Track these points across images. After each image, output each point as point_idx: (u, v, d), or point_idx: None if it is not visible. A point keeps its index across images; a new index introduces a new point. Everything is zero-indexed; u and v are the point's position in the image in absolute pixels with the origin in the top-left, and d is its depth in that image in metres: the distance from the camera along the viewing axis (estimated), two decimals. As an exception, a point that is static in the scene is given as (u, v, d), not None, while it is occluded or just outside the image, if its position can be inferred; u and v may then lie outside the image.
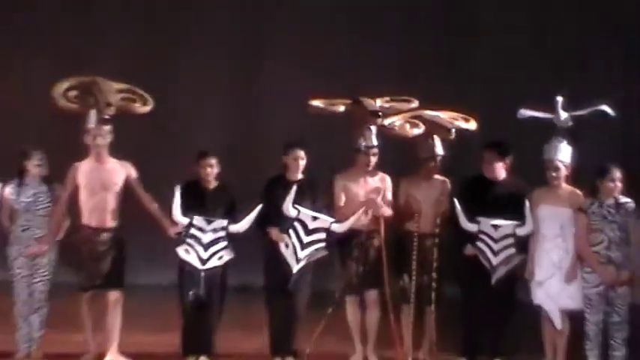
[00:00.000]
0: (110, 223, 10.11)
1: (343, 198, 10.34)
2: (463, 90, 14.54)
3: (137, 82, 10.63)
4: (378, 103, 10.33)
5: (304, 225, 10.05)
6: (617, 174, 9.91)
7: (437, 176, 10.39)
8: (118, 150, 10.30)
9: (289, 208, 9.89)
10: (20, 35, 16.13)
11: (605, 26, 16.67)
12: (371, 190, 10.23)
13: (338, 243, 10.24)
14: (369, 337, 10.42)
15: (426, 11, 16.58)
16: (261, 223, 10.01)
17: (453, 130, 10.44)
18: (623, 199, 9.86)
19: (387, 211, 10.24)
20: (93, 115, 10.09)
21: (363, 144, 10.19)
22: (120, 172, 10.07)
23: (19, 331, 10.29)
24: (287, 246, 9.97)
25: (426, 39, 16.24)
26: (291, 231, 9.97)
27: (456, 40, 16.22)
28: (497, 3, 16.54)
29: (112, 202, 10.18)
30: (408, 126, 10.41)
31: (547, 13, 16.71)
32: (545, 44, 16.81)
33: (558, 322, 9.92)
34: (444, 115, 10.40)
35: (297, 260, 9.94)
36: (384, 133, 10.34)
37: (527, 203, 9.94)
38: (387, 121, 10.32)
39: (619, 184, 9.85)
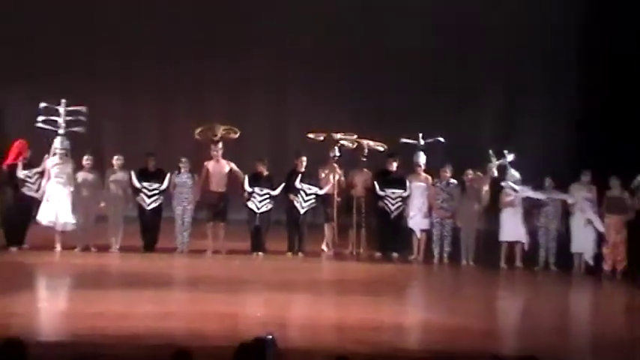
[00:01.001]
0: (222, 189, 15.72)
1: (323, 177, 15.87)
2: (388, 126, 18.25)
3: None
4: (339, 135, 16.05)
5: (305, 192, 15.82)
6: (449, 168, 15.69)
7: (365, 169, 16.14)
8: (227, 155, 15.71)
9: (297, 184, 15.73)
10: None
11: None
12: (335, 175, 15.86)
13: (323, 198, 16.00)
14: (328, 239, 16.11)
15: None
16: (285, 191, 15.75)
17: (366, 149, 16.04)
18: (451, 180, 15.66)
19: (342, 185, 15.91)
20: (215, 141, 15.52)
21: (332, 154, 15.98)
22: (226, 166, 15.66)
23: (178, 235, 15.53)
24: (297, 202, 15.80)
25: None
26: (298, 195, 15.80)
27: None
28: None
29: (223, 180, 15.63)
30: (350, 144, 16.11)
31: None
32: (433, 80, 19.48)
33: (418, 232, 15.77)
34: (367, 141, 16.18)
35: (302, 208, 15.85)
36: (342, 148, 16.13)
37: (407, 182, 15.83)
38: (346, 142, 16.12)
39: (448, 173, 15.70)
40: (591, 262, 15.37)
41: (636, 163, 14.97)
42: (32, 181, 15.45)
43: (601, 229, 14.83)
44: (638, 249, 14.83)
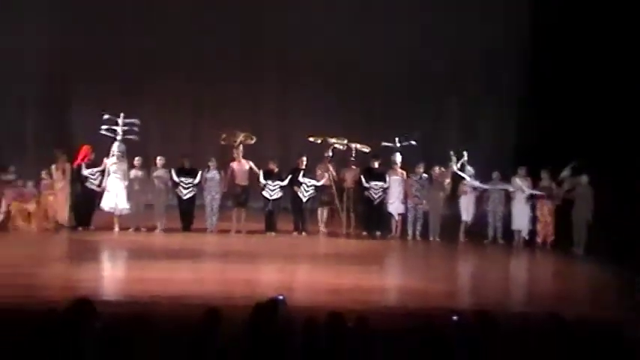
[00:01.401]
0: (244, 182, 15.66)
1: (319, 173, 15.72)
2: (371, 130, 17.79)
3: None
4: (332, 140, 15.91)
5: (306, 184, 15.73)
6: (421, 165, 15.57)
7: (354, 166, 15.98)
8: (246, 155, 15.66)
9: (300, 178, 15.65)
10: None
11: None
12: (330, 171, 15.79)
13: (319, 189, 15.80)
14: (320, 221, 15.95)
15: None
16: (290, 183, 15.71)
17: (354, 151, 15.93)
18: (423, 175, 15.57)
19: (335, 179, 15.75)
20: (236, 145, 15.47)
21: (326, 154, 15.91)
22: (246, 165, 15.60)
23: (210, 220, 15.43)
24: (300, 192, 15.71)
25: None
26: (301, 187, 15.71)
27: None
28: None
29: (244, 175, 15.57)
30: (342, 147, 16.03)
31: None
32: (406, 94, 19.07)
33: (396, 215, 15.58)
34: (355, 144, 16.10)
35: (304, 197, 15.75)
36: (334, 150, 16.02)
37: (387, 176, 15.68)
38: (338, 145, 15.98)
39: (420, 169, 15.57)
40: (527, 237, 15.50)
41: (562, 162, 15.05)
42: (94, 177, 15.60)
43: (537, 193, 15.13)
44: (562, 227, 15.04)
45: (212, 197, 15.78)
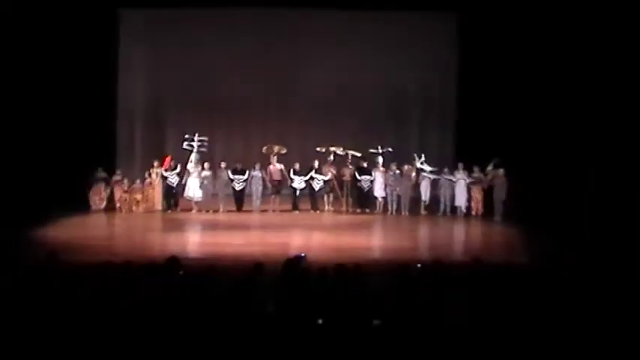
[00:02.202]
0: (278, 178, 15.11)
1: (325, 171, 15.21)
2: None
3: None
4: (333, 148, 15.42)
5: (317, 179, 15.20)
6: (394, 164, 15.15)
7: (350, 166, 15.35)
8: (280, 160, 15.15)
9: (313, 175, 15.09)
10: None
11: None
12: (332, 170, 15.27)
13: (326, 182, 15.29)
14: (326, 203, 15.31)
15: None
16: (307, 178, 15.12)
17: (350, 155, 15.40)
18: (397, 170, 14.95)
19: (336, 175, 15.21)
20: (272, 154, 15.19)
21: (329, 158, 15.41)
22: (279, 167, 15.17)
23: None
24: (313, 184, 15.16)
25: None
26: (314, 180, 15.14)
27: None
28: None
29: (278, 174, 15.10)
30: (341, 153, 15.55)
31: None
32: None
33: (380, 198, 15.13)
34: (350, 151, 15.58)
35: (317, 187, 15.23)
36: (335, 155, 15.50)
37: (372, 172, 15.13)
38: (338, 152, 15.48)
39: (394, 167, 14.99)
40: (465, 210, 15.30)
41: (486, 160, 14.85)
42: (172, 178, 15.34)
43: (470, 180, 14.94)
44: (487, 203, 14.89)
45: (256, 189, 15.41)
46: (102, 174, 14.77)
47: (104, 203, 14.86)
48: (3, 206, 11.80)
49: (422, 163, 15.47)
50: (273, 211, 15.29)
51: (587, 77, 12.73)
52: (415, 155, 15.61)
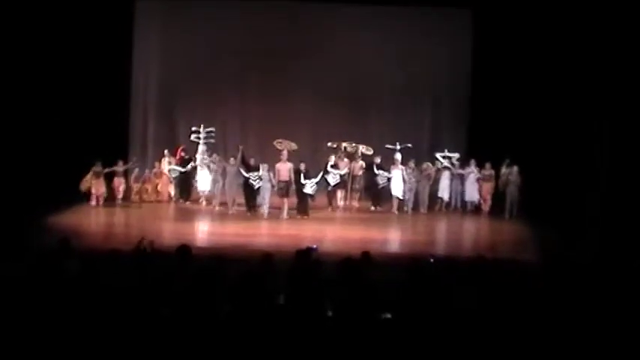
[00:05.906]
0: (286, 178, 13.72)
1: (342, 165, 14.75)
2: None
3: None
4: (345, 144, 14.97)
5: (333, 174, 14.60)
6: (412, 161, 14.64)
7: (361, 162, 14.85)
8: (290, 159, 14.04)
9: (329, 169, 14.49)
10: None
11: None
12: (344, 165, 14.73)
13: (340, 177, 14.74)
14: (338, 198, 14.81)
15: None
16: (323, 174, 14.35)
17: (360, 152, 14.98)
18: (414, 168, 14.56)
19: (348, 169, 14.62)
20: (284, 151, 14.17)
21: (339, 154, 14.93)
22: (289, 163, 13.90)
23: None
24: (330, 179, 14.59)
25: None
26: (329, 175, 14.54)
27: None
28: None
29: (287, 172, 13.83)
30: (352, 149, 15.09)
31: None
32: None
33: (396, 195, 14.53)
34: (361, 147, 15.08)
35: (333, 181, 14.60)
36: (347, 151, 14.99)
37: (390, 169, 14.56)
38: (348, 149, 15.04)
39: (412, 164, 14.54)
40: (474, 206, 15.23)
41: (499, 159, 14.67)
42: (180, 168, 15.23)
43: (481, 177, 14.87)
44: (497, 200, 14.81)
45: (263, 194, 14.20)
46: (98, 168, 14.25)
47: (121, 194, 14.66)
48: (17, 194, 11.93)
49: (445, 156, 15.24)
50: (285, 218, 13.81)
51: (602, 75, 12.62)
52: (437, 155, 15.29)
